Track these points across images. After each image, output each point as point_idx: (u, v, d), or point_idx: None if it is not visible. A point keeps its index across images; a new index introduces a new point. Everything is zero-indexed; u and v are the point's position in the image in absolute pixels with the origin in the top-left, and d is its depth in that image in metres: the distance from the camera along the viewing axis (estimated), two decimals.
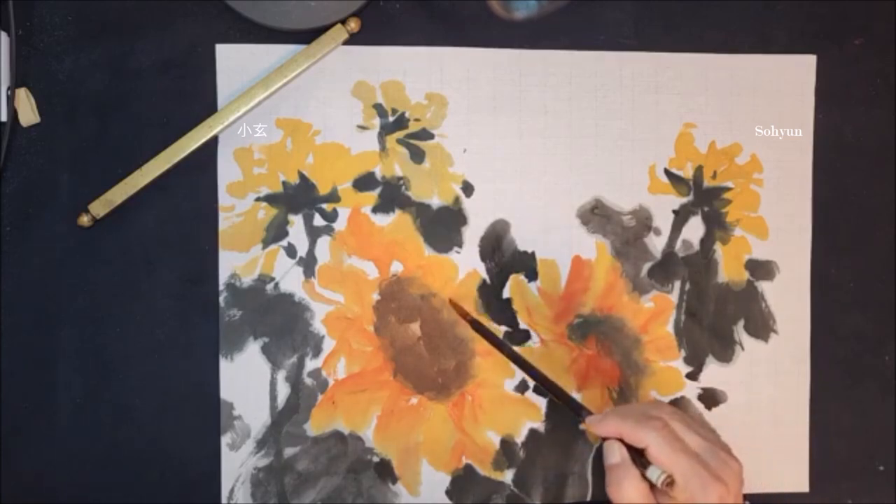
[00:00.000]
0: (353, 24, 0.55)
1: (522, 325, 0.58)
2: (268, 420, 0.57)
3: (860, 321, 0.61)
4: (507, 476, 0.58)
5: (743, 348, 0.60)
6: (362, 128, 0.57)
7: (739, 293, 0.60)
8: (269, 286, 0.57)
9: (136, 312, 0.56)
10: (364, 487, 0.57)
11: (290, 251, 0.57)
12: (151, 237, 0.56)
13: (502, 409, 0.58)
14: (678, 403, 0.59)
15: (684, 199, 0.60)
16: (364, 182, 0.57)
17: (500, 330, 0.58)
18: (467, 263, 0.58)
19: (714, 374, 0.60)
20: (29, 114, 0.55)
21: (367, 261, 0.57)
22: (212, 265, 0.56)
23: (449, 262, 0.58)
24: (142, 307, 0.56)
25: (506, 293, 0.58)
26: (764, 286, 0.60)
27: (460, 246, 0.58)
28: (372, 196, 0.57)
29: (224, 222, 0.56)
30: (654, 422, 0.46)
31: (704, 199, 0.60)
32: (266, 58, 0.56)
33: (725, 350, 0.60)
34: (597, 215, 0.59)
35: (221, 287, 0.56)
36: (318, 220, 0.57)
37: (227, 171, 0.57)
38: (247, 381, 0.57)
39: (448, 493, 0.58)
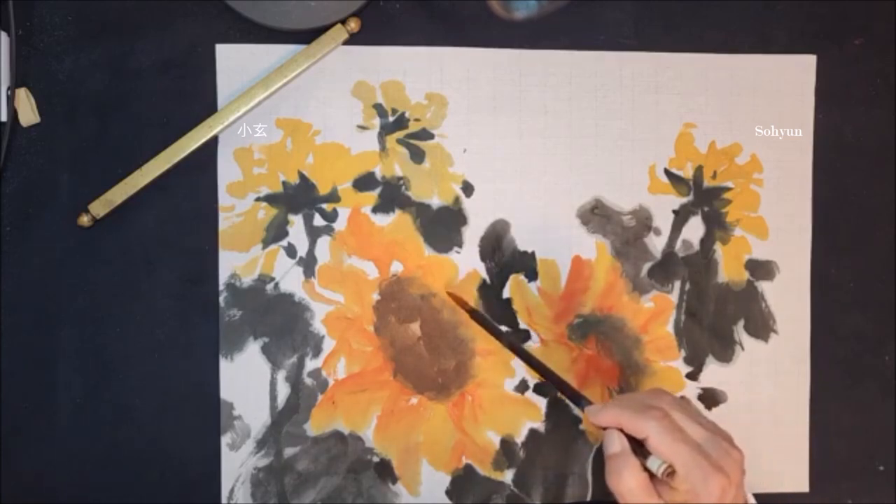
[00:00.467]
0: (353, 24, 0.55)
1: (522, 325, 0.58)
2: (268, 420, 0.57)
3: (860, 321, 0.61)
4: (507, 476, 0.58)
5: (743, 348, 0.60)
6: (362, 128, 0.57)
7: (739, 293, 0.60)
8: (269, 286, 0.57)
9: (136, 312, 0.56)
10: (364, 487, 0.57)
11: (290, 251, 0.57)
12: (151, 237, 0.56)
13: (502, 409, 0.58)
14: None
15: (684, 199, 0.60)
16: (364, 182, 0.57)
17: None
18: (467, 263, 0.58)
19: (714, 374, 0.60)
20: (29, 114, 0.55)
21: (367, 261, 0.57)
22: (212, 265, 0.56)
23: (449, 262, 0.58)
24: (142, 307, 0.56)
25: (506, 293, 0.58)
26: (764, 286, 0.60)
27: (460, 246, 0.58)
28: (372, 196, 0.57)
29: (224, 222, 0.56)
30: (654, 411, 0.46)
31: (704, 199, 0.60)
32: (266, 58, 0.56)
33: (725, 350, 0.60)
34: (597, 215, 0.59)
35: (221, 287, 0.56)
36: (318, 220, 0.57)
37: (227, 171, 0.57)
38: (247, 381, 0.57)
39: (448, 493, 0.58)
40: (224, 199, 0.56)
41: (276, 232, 0.57)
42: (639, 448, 0.46)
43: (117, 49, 0.56)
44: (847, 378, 0.61)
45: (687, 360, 0.60)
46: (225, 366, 0.56)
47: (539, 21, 0.57)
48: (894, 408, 0.61)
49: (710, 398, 0.60)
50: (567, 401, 0.51)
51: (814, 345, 0.61)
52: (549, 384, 0.55)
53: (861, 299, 0.61)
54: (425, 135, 0.58)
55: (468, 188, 0.58)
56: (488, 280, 0.58)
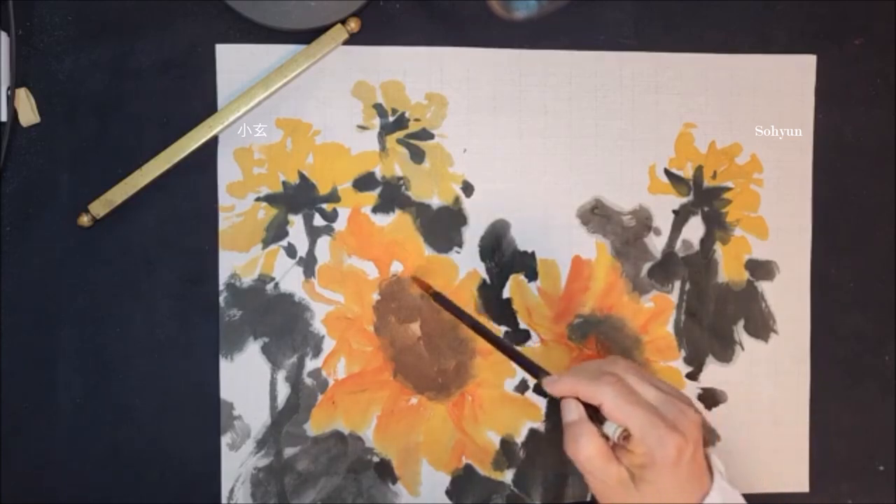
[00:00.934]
0: (353, 24, 0.55)
1: (522, 325, 0.58)
2: (268, 420, 0.57)
3: (860, 321, 0.61)
4: (507, 476, 0.58)
5: (743, 348, 0.60)
6: (362, 128, 0.57)
7: (739, 293, 0.60)
8: (269, 286, 0.57)
9: (136, 312, 0.56)
10: (364, 487, 0.57)
11: (290, 251, 0.57)
12: (151, 237, 0.56)
13: (502, 409, 0.58)
14: None
15: (684, 199, 0.60)
16: (364, 182, 0.57)
17: (500, 330, 0.58)
18: (467, 263, 0.58)
19: (714, 374, 0.60)
20: (29, 114, 0.55)
21: (367, 261, 0.57)
22: (212, 265, 0.56)
23: (449, 262, 0.58)
24: (142, 307, 0.56)
25: (506, 293, 0.58)
26: (764, 286, 0.60)
27: (460, 246, 0.58)
28: (372, 196, 0.57)
29: (224, 222, 0.56)
30: (607, 377, 0.46)
31: (704, 199, 0.60)
32: (266, 58, 0.56)
33: (725, 350, 0.60)
34: (597, 215, 0.59)
35: (221, 287, 0.56)
36: (318, 220, 0.57)
37: (227, 171, 0.57)
38: (247, 381, 0.57)
39: (448, 493, 0.58)
40: (224, 199, 0.56)
41: (276, 232, 0.57)
42: (596, 415, 0.46)
43: (117, 49, 0.56)
44: (847, 378, 0.61)
45: (687, 360, 0.60)
46: (225, 366, 0.56)
47: (539, 21, 0.57)
48: (894, 408, 0.61)
49: (710, 398, 0.60)
50: (526, 374, 0.50)
51: (814, 345, 0.61)
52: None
53: (861, 299, 0.61)
54: (425, 135, 0.58)
55: (468, 188, 0.58)
56: (488, 280, 0.58)
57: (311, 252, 0.57)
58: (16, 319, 0.55)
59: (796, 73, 0.60)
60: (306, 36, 0.56)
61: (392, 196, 0.58)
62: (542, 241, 0.59)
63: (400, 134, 0.58)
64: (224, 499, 0.56)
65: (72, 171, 0.55)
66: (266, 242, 0.57)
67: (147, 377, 0.56)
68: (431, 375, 0.58)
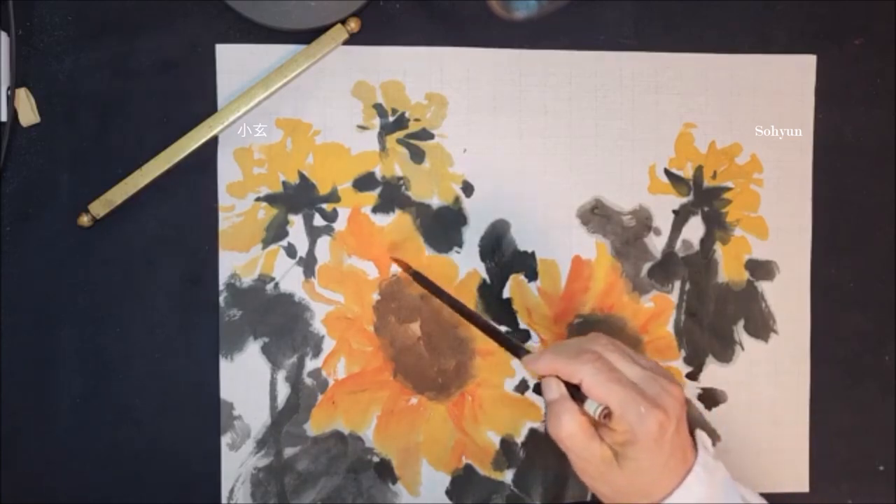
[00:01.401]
0: (353, 24, 0.55)
1: (522, 325, 0.58)
2: (268, 420, 0.57)
3: (860, 321, 0.61)
4: (507, 476, 0.58)
5: (743, 348, 0.60)
6: (362, 128, 0.57)
7: (739, 293, 0.60)
8: (269, 286, 0.57)
9: (136, 312, 0.56)
10: (364, 487, 0.57)
11: (290, 251, 0.57)
12: (151, 237, 0.56)
13: (502, 409, 0.58)
14: None
15: (684, 199, 0.60)
16: (364, 182, 0.57)
17: (500, 330, 0.58)
18: (467, 263, 0.58)
19: (714, 374, 0.60)
20: (29, 114, 0.55)
21: (367, 261, 0.57)
22: (212, 265, 0.56)
23: (449, 262, 0.58)
24: (142, 307, 0.56)
25: (506, 293, 0.58)
26: (764, 286, 0.60)
27: (460, 246, 0.58)
28: (372, 196, 0.57)
29: (224, 222, 0.56)
30: (587, 355, 0.45)
31: (704, 199, 0.60)
32: (266, 58, 0.56)
33: (725, 350, 0.60)
34: (597, 215, 0.59)
35: (221, 287, 0.56)
36: (318, 220, 0.57)
37: (227, 171, 0.57)
38: (247, 381, 0.57)
39: (448, 493, 0.58)
40: (224, 199, 0.56)
41: (276, 232, 0.57)
42: (577, 393, 0.45)
43: (117, 49, 0.56)
44: (847, 378, 0.61)
45: (687, 360, 0.60)
46: (225, 366, 0.56)
47: (539, 21, 0.57)
48: (894, 408, 0.61)
49: (710, 398, 0.60)
50: (508, 352, 0.50)
51: (814, 345, 0.61)
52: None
53: (861, 299, 0.61)
54: (425, 135, 0.58)
55: (468, 188, 0.58)
56: (488, 280, 0.58)
57: (311, 252, 0.57)
58: (16, 319, 0.55)
59: (796, 73, 0.60)
60: (306, 36, 0.56)
61: (392, 196, 0.58)
62: (542, 241, 0.59)
63: (400, 134, 0.58)
64: (224, 499, 0.56)
65: (72, 171, 0.55)
66: (266, 242, 0.57)
67: (147, 377, 0.56)
68: (431, 375, 0.58)
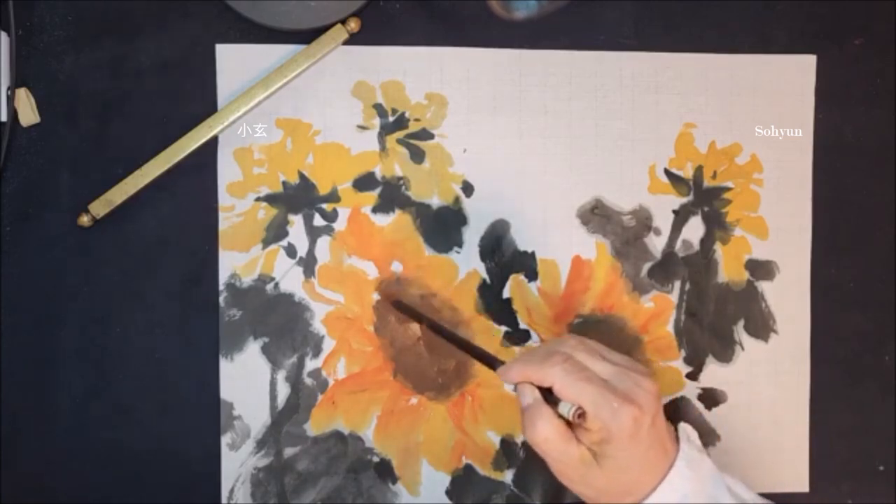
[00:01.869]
0: (353, 24, 0.55)
1: (522, 325, 0.58)
2: (268, 420, 0.57)
3: (860, 321, 0.61)
4: (507, 476, 0.58)
5: (743, 348, 0.60)
6: (362, 128, 0.57)
7: (739, 293, 0.60)
8: (269, 286, 0.57)
9: (136, 312, 0.56)
10: (364, 487, 0.57)
11: (290, 251, 0.57)
12: (151, 237, 0.56)
13: (502, 409, 0.58)
14: (678, 403, 0.59)
15: (684, 199, 0.60)
16: (364, 182, 0.57)
17: (501, 330, 0.58)
18: (467, 263, 0.58)
19: (714, 374, 0.60)
20: (29, 114, 0.55)
21: (367, 261, 0.57)
22: (212, 265, 0.56)
23: (449, 262, 0.58)
24: (142, 307, 0.56)
25: (506, 293, 0.58)
26: (764, 286, 0.60)
27: (460, 246, 0.58)
28: (372, 196, 0.57)
29: (224, 222, 0.56)
30: (556, 357, 0.45)
31: (704, 199, 0.60)
32: (266, 58, 0.56)
33: (725, 350, 0.60)
34: (597, 215, 0.59)
35: (221, 287, 0.56)
36: (318, 220, 0.57)
37: (227, 171, 0.57)
38: (247, 381, 0.57)
39: (448, 493, 0.58)
40: (224, 199, 0.56)
41: (276, 232, 0.57)
42: (551, 397, 0.45)
43: (117, 49, 0.56)
44: (847, 378, 0.61)
45: (687, 360, 0.60)
46: (225, 366, 0.56)
47: (539, 21, 0.57)
48: (894, 408, 0.61)
49: (710, 398, 0.60)
50: (484, 366, 0.50)
51: (814, 345, 0.61)
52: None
53: (861, 299, 0.61)
54: (425, 135, 0.58)
55: (468, 188, 0.58)
56: (488, 280, 0.58)
57: (311, 252, 0.57)
58: (16, 319, 0.55)
59: (796, 73, 0.60)
60: (306, 36, 0.56)
61: (392, 196, 0.58)
62: (542, 241, 0.59)
63: (400, 134, 0.58)
64: (224, 499, 0.56)
65: (72, 171, 0.55)
66: (266, 242, 0.57)
67: (147, 377, 0.56)
68: (431, 375, 0.58)
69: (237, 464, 0.56)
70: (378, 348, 0.57)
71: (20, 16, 0.54)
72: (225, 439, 0.56)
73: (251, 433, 0.57)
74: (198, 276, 0.56)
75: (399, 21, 0.57)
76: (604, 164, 0.59)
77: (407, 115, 0.58)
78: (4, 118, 0.54)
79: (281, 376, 0.57)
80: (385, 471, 0.57)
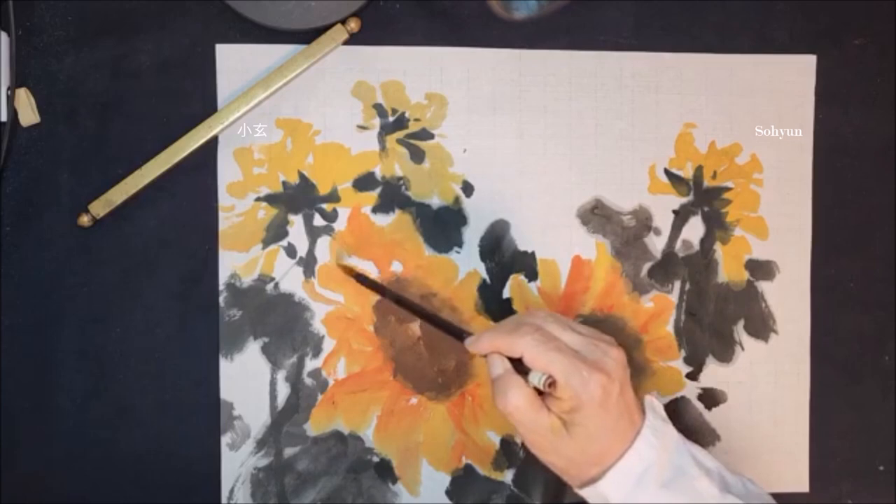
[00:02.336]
0: (353, 24, 0.55)
1: None
2: (268, 420, 0.57)
3: (860, 321, 0.61)
4: (507, 476, 0.58)
5: (743, 348, 0.60)
6: (362, 128, 0.57)
7: (739, 293, 0.60)
8: (269, 286, 0.57)
9: (136, 312, 0.56)
10: (364, 487, 0.57)
11: (290, 251, 0.57)
12: (151, 237, 0.56)
13: None
14: (678, 403, 0.59)
15: (684, 199, 0.60)
16: (364, 182, 0.57)
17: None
18: (467, 263, 0.58)
19: (714, 374, 0.60)
20: (29, 114, 0.55)
21: (367, 261, 0.57)
22: (212, 265, 0.56)
23: (449, 262, 0.58)
24: (142, 307, 0.56)
25: (506, 293, 0.58)
26: (764, 286, 0.60)
27: (460, 246, 0.58)
28: (372, 196, 0.57)
29: (224, 222, 0.56)
30: (525, 328, 0.46)
31: (704, 199, 0.60)
32: (266, 58, 0.56)
33: (725, 350, 0.60)
34: (597, 215, 0.59)
35: (221, 287, 0.56)
36: (318, 220, 0.57)
37: (227, 171, 0.57)
38: (247, 381, 0.57)
39: (448, 493, 0.58)
40: (224, 199, 0.57)
41: (276, 232, 0.57)
42: (520, 367, 0.46)
43: (117, 49, 0.56)
44: (847, 378, 0.61)
45: (687, 360, 0.60)
46: (225, 366, 0.56)
47: (539, 21, 0.57)
48: (894, 408, 0.61)
49: (710, 398, 0.60)
50: (452, 337, 0.51)
51: (814, 345, 0.60)
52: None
53: (861, 299, 0.61)
54: (425, 135, 0.58)
55: (468, 188, 0.58)
56: (488, 280, 0.58)
57: (311, 252, 0.57)
58: (16, 319, 0.55)
59: (796, 73, 0.60)
60: (306, 36, 0.56)
61: (392, 196, 0.58)
62: (542, 241, 0.59)
63: (400, 134, 0.58)
64: (224, 499, 0.56)
65: (72, 171, 0.55)
66: (266, 242, 0.57)
67: (147, 377, 0.56)
68: (431, 375, 0.58)
69: (237, 464, 0.56)
70: (378, 348, 0.57)
71: (20, 16, 0.54)
72: (225, 439, 0.56)
73: (251, 433, 0.57)
74: (198, 276, 0.56)
75: (399, 21, 0.57)
76: (604, 164, 0.59)
77: (407, 115, 0.58)
78: (4, 118, 0.54)
79: (281, 376, 0.57)
80: (385, 471, 0.57)
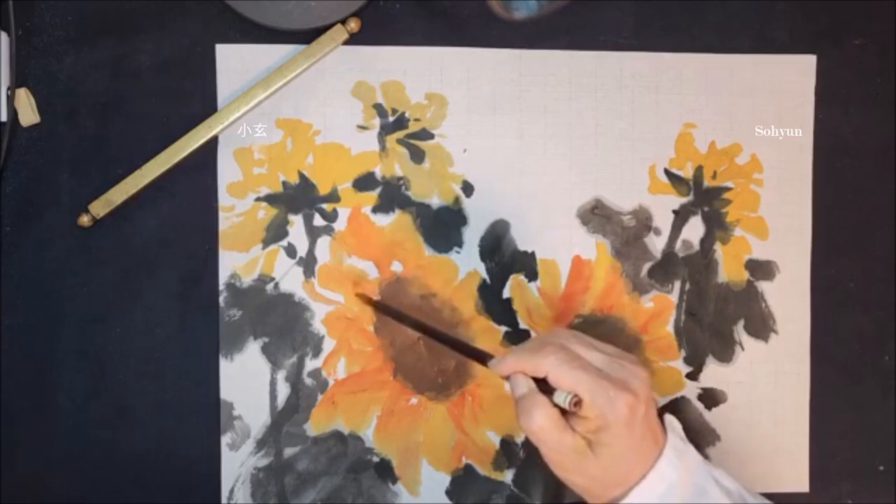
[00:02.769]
0: (353, 24, 0.55)
1: (522, 325, 0.58)
2: (268, 420, 0.57)
3: (860, 321, 0.61)
4: (507, 476, 0.58)
5: (743, 348, 0.60)
6: (362, 128, 0.57)
7: (739, 293, 0.60)
8: (269, 286, 0.57)
9: (136, 312, 0.56)
10: (364, 487, 0.57)
11: (290, 251, 0.57)
12: (151, 237, 0.56)
13: (502, 409, 0.58)
14: (678, 404, 0.59)
15: (684, 199, 0.60)
16: (364, 182, 0.57)
17: (501, 330, 0.58)
18: (467, 263, 0.58)
19: (714, 374, 0.60)
20: (29, 114, 0.55)
21: (367, 261, 0.57)
22: (212, 265, 0.56)
23: (449, 262, 0.58)
24: (142, 307, 0.56)
25: (506, 293, 0.58)
26: (764, 286, 0.60)
27: (460, 246, 0.58)
28: (372, 196, 0.57)
29: (224, 222, 0.56)
30: (549, 347, 0.45)
31: (704, 199, 0.60)
32: (266, 58, 0.56)
33: (725, 350, 0.60)
34: (597, 215, 0.59)
35: (221, 287, 0.56)
36: (318, 220, 0.57)
37: (227, 171, 0.57)
38: (247, 381, 0.57)
39: (448, 493, 0.58)
40: (224, 199, 0.57)
41: (276, 232, 0.57)
42: (545, 387, 0.45)
43: (117, 49, 0.56)
44: (847, 378, 0.61)
45: (687, 360, 0.60)
46: (225, 366, 0.56)
47: (539, 21, 0.57)
48: (894, 408, 0.61)
49: (710, 398, 0.60)
50: (475, 363, 0.50)
51: (814, 345, 0.61)
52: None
53: (861, 299, 0.61)
54: (425, 135, 0.58)
55: (468, 188, 0.58)
56: (488, 280, 0.58)
57: (311, 252, 0.57)
58: (16, 319, 0.55)
59: (796, 73, 0.60)
60: (306, 36, 0.56)
61: (392, 196, 0.58)
62: (542, 241, 0.59)
63: (400, 134, 0.58)
64: (224, 499, 0.56)
65: (72, 171, 0.55)
66: (266, 242, 0.57)
67: (147, 377, 0.56)
68: (431, 375, 0.58)
69: (237, 464, 0.56)
70: (378, 348, 0.57)
71: (20, 16, 0.54)
72: (225, 439, 0.56)
73: (251, 433, 0.57)
74: (198, 276, 0.56)
75: (399, 21, 0.57)
76: (604, 164, 0.59)
77: (407, 115, 0.58)
78: (4, 118, 0.54)
79: (281, 376, 0.57)
80: (385, 471, 0.57)
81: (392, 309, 0.56)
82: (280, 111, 0.57)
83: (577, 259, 0.59)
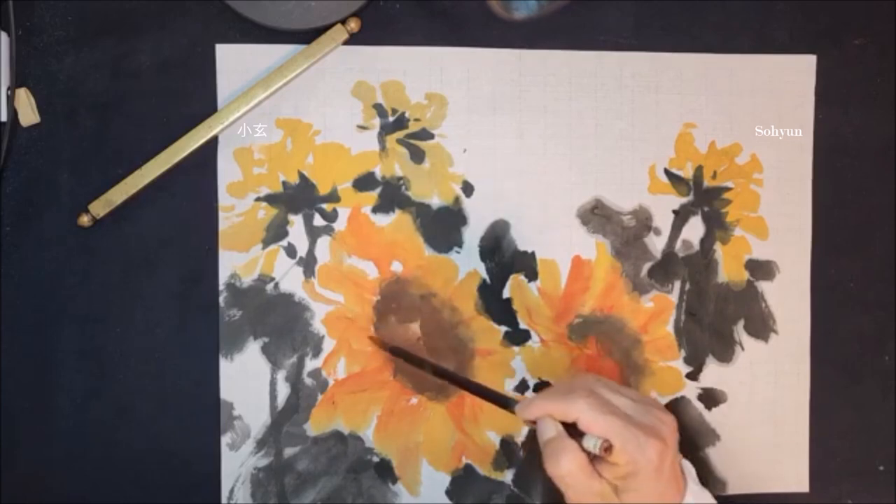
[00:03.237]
0: (353, 24, 0.55)
1: (522, 325, 0.58)
2: (268, 420, 0.57)
3: (860, 321, 0.61)
4: (507, 476, 0.58)
5: (743, 348, 0.60)
6: (362, 128, 0.57)
7: (739, 293, 0.60)
8: (269, 286, 0.57)
9: (136, 312, 0.56)
10: (364, 487, 0.57)
11: (290, 251, 0.57)
12: (151, 237, 0.56)
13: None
14: (678, 404, 0.59)
15: (684, 199, 0.60)
16: (364, 182, 0.57)
17: (501, 330, 0.58)
18: (467, 263, 0.58)
19: (714, 374, 0.60)
20: (29, 114, 0.55)
21: (367, 261, 0.57)
22: (212, 265, 0.56)
23: (449, 262, 0.58)
24: (142, 307, 0.56)
25: (506, 293, 0.58)
26: (764, 286, 0.60)
27: (460, 246, 0.58)
28: (372, 196, 0.57)
29: (224, 222, 0.56)
30: (579, 391, 0.45)
31: (704, 199, 0.60)
32: (266, 58, 0.56)
33: (725, 350, 0.60)
34: (597, 215, 0.59)
35: (221, 287, 0.56)
36: (318, 220, 0.57)
37: (227, 171, 0.57)
38: (247, 381, 0.57)
39: (448, 493, 0.58)
40: (224, 199, 0.57)
41: (276, 232, 0.57)
42: (572, 432, 0.45)
43: (117, 49, 0.56)
44: (847, 378, 0.61)
45: (687, 360, 0.60)
46: (225, 366, 0.56)
47: (539, 21, 0.57)
48: (894, 408, 0.61)
49: (710, 398, 0.60)
50: (500, 408, 0.50)
51: (814, 345, 0.61)
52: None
53: (861, 299, 0.61)
54: (425, 135, 0.58)
55: (468, 188, 0.58)
56: (488, 280, 0.58)
57: (311, 252, 0.57)
58: (16, 319, 0.55)
59: (796, 73, 0.60)
60: (306, 36, 0.56)
61: (392, 196, 0.58)
62: (542, 241, 0.59)
63: (400, 134, 0.58)
64: (224, 499, 0.56)
65: (72, 171, 0.55)
66: (266, 242, 0.57)
67: (147, 377, 0.56)
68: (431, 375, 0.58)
69: (237, 464, 0.56)
70: (378, 348, 0.57)
71: (20, 16, 0.54)
72: (225, 439, 0.56)
73: (251, 433, 0.57)
74: (198, 276, 0.56)
75: (399, 21, 0.57)
76: (604, 164, 0.59)
77: (407, 115, 0.58)
78: (4, 118, 0.54)
79: (281, 376, 0.57)
80: (385, 471, 0.57)
81: (410, 354, 0.56)
82: (280, 111, 0.57)
83: (577, 259, 0.59)
